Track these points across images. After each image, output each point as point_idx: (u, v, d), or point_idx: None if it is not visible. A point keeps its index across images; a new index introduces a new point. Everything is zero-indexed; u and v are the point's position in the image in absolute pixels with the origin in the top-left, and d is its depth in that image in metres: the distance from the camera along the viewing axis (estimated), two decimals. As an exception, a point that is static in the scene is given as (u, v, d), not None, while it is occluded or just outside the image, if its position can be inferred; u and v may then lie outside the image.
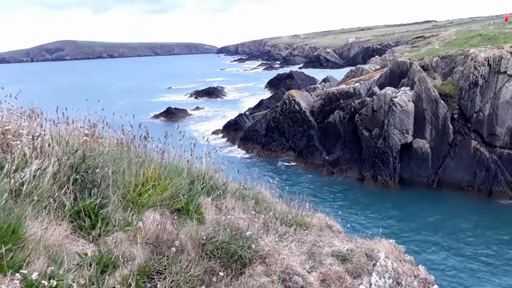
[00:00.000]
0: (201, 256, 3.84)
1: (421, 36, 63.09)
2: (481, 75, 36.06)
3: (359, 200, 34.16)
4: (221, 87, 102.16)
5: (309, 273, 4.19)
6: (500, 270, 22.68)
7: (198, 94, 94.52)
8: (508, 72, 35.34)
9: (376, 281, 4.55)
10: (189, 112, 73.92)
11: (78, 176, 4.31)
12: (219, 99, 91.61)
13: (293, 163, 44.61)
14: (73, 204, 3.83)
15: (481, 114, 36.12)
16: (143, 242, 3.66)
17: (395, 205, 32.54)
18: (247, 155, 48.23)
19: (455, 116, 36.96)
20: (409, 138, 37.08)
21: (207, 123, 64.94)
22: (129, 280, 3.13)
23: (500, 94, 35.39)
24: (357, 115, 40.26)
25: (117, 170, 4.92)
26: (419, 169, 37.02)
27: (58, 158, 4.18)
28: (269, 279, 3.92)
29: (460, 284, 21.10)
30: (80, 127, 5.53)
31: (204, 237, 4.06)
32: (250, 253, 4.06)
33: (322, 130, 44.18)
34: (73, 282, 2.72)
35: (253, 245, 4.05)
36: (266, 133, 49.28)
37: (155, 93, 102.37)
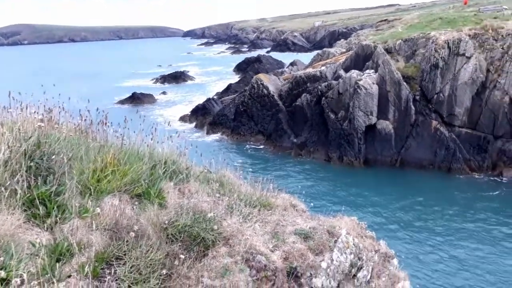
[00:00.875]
0: (163, 240, 3.81)
1: (385, 20, 64.19)
2: (441, 57, 37.27)
3: (325, 181, 34.92)
4: (188, 71, 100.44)
5: (272, 252, 4.25)
6: (456, 240, 23.96)
7: (165, 78, 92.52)
8: (466, 54, 36.70)
9: (338, 257, 4.69)
10: (156, 97, 72.37)
11: (32, 164, 4.14)
12: (186, 83, 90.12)
13: (262, 147, 44.87)
14: (26, 192, 3.67)
15: (441, 95, 37.48)
16: (102, 229, 3.58)
17: (359, 184, 33.52)
18: (216, 140, 48.03)
19: (417, 97, 38.16)
20: (373, 120, 38.02)
21: (174, 108, 63.91)
22: (86, 268, 3.07)
23: (458, 76, 36.78)
24: (323, 98, 40.78)
25: (75, 156, 4.76)
26: (383, 149, 38.16)
27: (8, 145, 3.99)
28: (233, 259, 3.95)
29: (419, 257, 22.13)
30: (35, 112, 5.29)
31: (166, 221, 4.02)
32: (213, 235, 4.07)
33: (290, 114, 44.51)
34: (24, 272, 2.63)
35: (215, 227, 4.06)
36: (235, 118, 49.13)
37: (120, 78, 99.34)
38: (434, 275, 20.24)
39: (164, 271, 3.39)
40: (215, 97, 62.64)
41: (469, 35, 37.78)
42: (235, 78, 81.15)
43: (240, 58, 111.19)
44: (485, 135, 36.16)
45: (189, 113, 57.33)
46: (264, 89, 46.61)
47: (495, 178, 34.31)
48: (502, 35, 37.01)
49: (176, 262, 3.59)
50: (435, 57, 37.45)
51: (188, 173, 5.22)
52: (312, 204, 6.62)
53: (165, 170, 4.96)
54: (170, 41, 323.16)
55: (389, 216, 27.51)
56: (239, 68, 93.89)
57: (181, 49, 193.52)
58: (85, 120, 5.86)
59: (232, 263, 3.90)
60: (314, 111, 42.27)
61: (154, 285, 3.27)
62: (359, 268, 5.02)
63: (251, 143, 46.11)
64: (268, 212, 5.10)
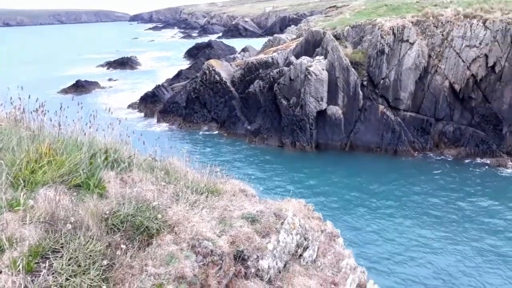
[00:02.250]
0: (104, 231, 3.69)
1: (334, 6, 65.49)
2: (387, 44, 38.74)
3: (278, 166, 35.51)
4: (136, 57, 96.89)
5: (219, 237, 4.26)
6: (401, 218, 25.40)
7: (111, 65, 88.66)
8: (410, 41, 38.40)
9: (284, 238, 4.80)
10: (101, 84, 69.22)
11: (-45, 156, 3.83)
12: (134, 70, 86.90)
13: (216, 134, 44.63)
14: None
15: (387, 80, 39.08)
16: (36, 222, 3.40)
17: (311, 169, 34.44)
18: (168, 128, 47.06)
19: (365, 82, 39.54)
20: (324, 105, 38.98)
21: (122, 95, 61.53)
22: (19, 262, 2.90)
23: (403, 61, 38.47)
24: (276, 84, 41.11)
25: (6, 147, 4.46)
26: (333, 134, 39.34)
27: None
28: (178, 247, 3.91)
29: (365, 235, 23.23)
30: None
31: (107, 212, 3.89)
32: (157, 223, 4.00)
33: (243, 100, 44.48)
34: None
35: (159, 215, 4.00)
36: (187, 105, 48.31)
37: (62, 65, 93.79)
38: (378, 252, 21.36)
39: (105, 262, 3.29)
40: (165, 84, 61.05)
41: (412, 22, 39.48)
42: (185, 64, 79.46)
43: (190, 43, 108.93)
44: (428, 118, 38.30)
45: (138, 101, 55.56)
46: (216, 76, 46.13)
47: (438, 157, 36.56)
48: (442, 22, 39.05)
49: (119, 252, 3.50)
50: (381, 43, 38.85)
51: (130, 162, 5.07)
52: (261, 188, 6.69)
53: (106, 159, 4.78)
54: (116, 26, 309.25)
55: (338, 198, 28.57)
56: (190, 54, 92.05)
57: (128, 34, 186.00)
58: (18, 108, 5.50)
59: (178, 250, 3.86)
60: (267, 97, 42.55)
61: (94, 277, 3.17)
62: (305, 248, 5.18)
63: (204, 130, 45.70)
64: (216, 198, 5.10)
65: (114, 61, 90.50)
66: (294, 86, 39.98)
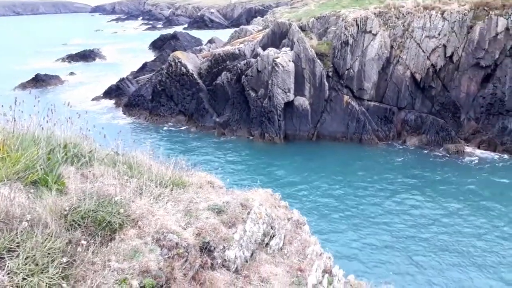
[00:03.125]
0: (64, 228, 3.58)
1: (299, -3, 65.69)
2: (350, 35, 39.43)
3: (247, 157, 35.63)
4: (99, 49, 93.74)
5: (185, 229, 4.24)
6: (366, 204, 26.16)
7: (72, 58, 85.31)
8: (372, 32, 39.24)
9: (251, 227, 4.84)
10: (63, 78, 66.60)
11: None
12: (97, 62, 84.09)
13: (184, 127, 44.11)
14: None
15: (351, 71, 39.85)
16: (-11, 221, 3.25)
17: (279, 159, 34.79)
18: (133, 122, 46.04)
19: (330, 73, 40.15)
20: (291, 97, 39.32)
21: (84, 89, 59.46)
22: (-31, 265, 2.78)
23: (366, 52, 39.30)
24: (243, 76, 41.02)
25: (-45, 144, 4.22)
26: (301, 125, 39.81)
27: None
28: (142, 241, 3.86)
29: (330, 221, 23.79)
30: None
31: (67, 208, 3.78)
32: (120, 218, 3.93)
33: (211, 93, 44.11)
34: None
35: (121, 210, 3.92)
36: (153, 98, 47.39)
37: (19, 59, 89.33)
38: (344, 239, 21.95)
39: (64, 259, 3.20)
40: (129, 76, 59.55)
41: (375, 14, 40.34)
42: (150, 56, 77.73)
43: (155, 35, 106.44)
44: (391, 107, 39.44)
45: (102, 95, 53.98)
46: (182, 68, 45.44)
47: (400, 146, 37.81)
48: (403, 13, 40.11)
49: (79, 249, 3.41)
50: (345, 34, 39.49)
51: (91, 156, 4.93)
52: (228, 180, 6.69)
53: (65, 154, 4.62)
54: (76, 17, 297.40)
55: (305, 187, 29.06)
56: (155, 46, 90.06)
57: (90, 26, 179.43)
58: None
59: (142, 244, 3.81)
60: (235, 89, 42.41)
61: (53, 275, 3.08)
62: (272, 237, 5.24)
63: (172, 123, 45.05)
64: (181, 191, 5.06)
65: (76, 54, 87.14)
66: (261, 77, 40.03)
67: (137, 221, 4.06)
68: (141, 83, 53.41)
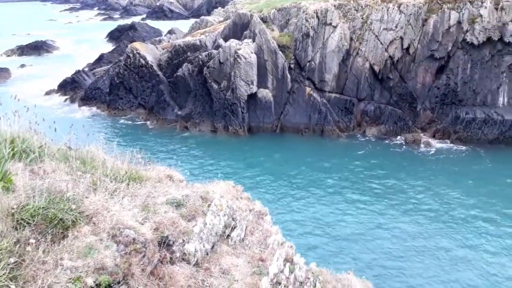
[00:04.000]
0: (11, 227, 3.39)
1: (260, -11, 65.45)
2: (311, 27, 39.88)
3: (211, 150, 35.40)
4: (52, 40, 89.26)
5: (142, 224, 4.14)
6: (327, 195, 26.82)
7: (23, 50, 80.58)
8: (332, 24, 39.86)
9: (211, 220, 4.80)
10: (12, 71, 62.99)
11: None
12: (50, 54, 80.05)
13: (144, 121, 43.08)
14: None
15: (312, 63, 40.39)
16: None
17: (244, 152, 34.86)
18: (90, 116, 44.42)
19: (292, 65, 40.50)
20: (254, 89, 39.35)
21: (38, 82, 56.49)
22: None
23: (327, 44, 39.92)
24: (205, 68, 40.54)
25: None
26: (264, 117, 40.00)
27: None
28: (97, 237, 3.74)
29: (292, 211, 24.21)
30: None
31: (15, 206, 3.58)
32: (73, 214, 3.77)
33: (172, 85, 43.29)
34: None
35: (74, 206, 3.77)
36: (111, 91, 45.90)
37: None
38: (306, 228, 22.40)
39: (12, 260, 3.04)
40: (85, 69, 57.30)
41: (335, 6, 40.97)
42: (107, 48, 74.95)
43: (112, 25, 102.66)
44: (351, 98, 40.40)
45: (56, 88, 51.60)
46: (141, 59, 44.25)
47: (361, 136, 38.88)
48: (362, 6, 41.03)
49: (29, 248, 3.25)
50: (306, 26, 39.89)
51: (42, 152, 4.69)
52: (188, 173, 6.60)
53: (12, 150, 4.37)
54: (26, 6, 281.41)
55: (269, 178, 29.34)
56: (112, 37, 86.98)
57: (41, 15, 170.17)
58: None
59: (97, 241, 3.69)
60: (197, 81, 41.86)
61: (0, 276, 2.91)
62: (233, 228, 5.24)
63: (132, 117, 43.88)
64: (139, 185, 4.93)
65: (27, 45, 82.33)
66: (224, 69, 39.75)
67: (92, 218, 3.92)
68: (98, 75, 51.55)
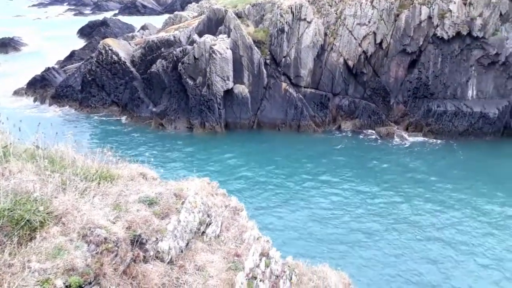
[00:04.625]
0: (-26, 230, 3.27)
1: (234, -16, 65.06)
2: (286, 22, 39.97)
3: (187, 147, 35.10)
4: (20, 37, 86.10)
5: (114, 223, 4.07)
6: (302, 189, 27.05)
7: (-11, 47, 77.63)
8: (307, 19, 40.07)
9: (185, 217, 4.77)
10: (-22, 69, 60.54)
11: None
12: (18, 52, 77.15)
13: (118, 118, 42.27)
14: None
15: (288, 58, 40.53)
16: None
17: (221, 148, 34.74)
18: (62, 114, 43.22)
19: (268, 61, 40.52)
20: (230, 84, 39.19)
21: (5, 81, 54.37)
22: None
23: (302, 40, 40.12)
24: (180, 64, 40.07)
25: None
26: (241, 113, 39.92)
27: None
28: (67, 238, 3.65)
29: (269, 207, 24.34)
30: None
31: (-22, 208, 3.45)
32: (40, 215, 3.67)
33: (146, 81, 42.60)
34: None
35: (41, 207, 3.67)
36: (83, 88, 44.77)
37: None
38: (282, 222, 22.57)
39: (-25, 265, 2.93)
40: (56, 66, 55.62)
41: (309, 1, 41.18)
42: (79, 44, 72.96)
43: (83, 21, 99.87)
44: (326, 93, 40.82)
45: (25, 86, 49.89)
46: (114, 56, 43.30)
47: (337, 131, 39.38)
48: (335, 1, 41.40)
49: (-7, 252, 3.14)
50: (280, 22, 39.96)
51: (7, 152, 4.53)
52: (162, 171, 6.52)
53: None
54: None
55: (245, 174, 29.39)
56: (83, 33, 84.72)
57: (7, 11, 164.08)
58: None
59: (67, 242, 3.60)
60: (172, 77, 41.34)
61: (-38, 283, 2.80)
62: (208, 225, 5.22)
63: (105, 115, 42.96)
64: (110, 184, 4.83)
65: (-7, 41, 79.29)
66: (199, 65, 39.39)
67: (61, 218, 3.82)
68: (69, 72, 50.17)
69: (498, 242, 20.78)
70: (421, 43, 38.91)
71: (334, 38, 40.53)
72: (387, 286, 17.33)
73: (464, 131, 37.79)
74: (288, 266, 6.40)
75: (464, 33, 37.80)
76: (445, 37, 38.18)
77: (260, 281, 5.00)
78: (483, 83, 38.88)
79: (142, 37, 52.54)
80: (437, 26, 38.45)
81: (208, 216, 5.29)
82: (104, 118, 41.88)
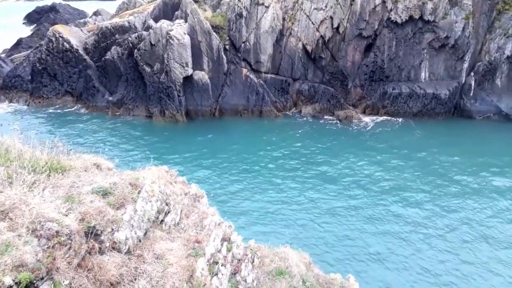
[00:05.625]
0: None
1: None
2: (244, 7, 39.57)
3: (146, 137, 34.33)
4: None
5: (66, 216, 3.93)
6: (264, 175, 27.34)
7: None
8: (265, 4, 39.84)
9: (142, 206, 4.68)
10: None
11: None
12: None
13: (72, 109, 40.55)
14: None
15: (247, 43, 40.28)
16: None
17: (181, 136, 34.25)
18: (12, 106, 40.89)
19: (227, 46, 40.08)
20: (190, 71, 38.48)
21: None
22: None
23: (260, 25, 39.94)
24: (136, 50, 38.81)
25: None
26: (202, 100, 39.42)
27: None
28: (15, 233, 3.49)
29: (232, 192, 24.48)
30: None
31: None
32: (-16, 212, 3.47)
33: (100, 69, 41.00)
34: None
35: (-16, 202, 3.47)
36: (33, 78, 42.44)
37: None
38: (245, 207, 22.76)
39: None
40: (2, 55, 52.29)
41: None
42: (26, 31, 68.87)
43: (29, 7, 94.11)
44: (286, 78, 41.08)
45: (-32, 77, 46.67)
46: (65, 43, 41.25)
47: (298, 115, 39.86)
48: (292, -13, 41.34)
49: None
50: (238, 6, 39.50)
51: None
52: (117, 160, 6.34)
53: None
54: None
55: (208, 161, 29.24)
56: (30, 19, 79.95)
57: None
58: None
59: (15, 237, 3.45)
60: (128, 65, 40.02)
61: None
62: (167, 213, 5.16)
63: (58, 106, 41.07)
64: (61, 176, 4.64)
65: None
66: (156, 51, 38.33)
67: (8, 213, 3.64)
68: (17, 62, 47.34)
69: (449, 208, 22.10)
70: (376, 27, 39.84)
71: (292, 23, 40.66)
72: (348, 264, 18.00)
73: (418, 112, 39.43)
74: (251, 249, 6.48)
75: (416, 17, 39.07)
76: (399, 21, 39.31)
77: (221, 265, 5.03)
78: (434, 65, 40.55)
79: (95, 24, 50.30)
80: (391, 10, 39.46)
81: (167, 204, 5.23)
82: (58, 110, 40.07)
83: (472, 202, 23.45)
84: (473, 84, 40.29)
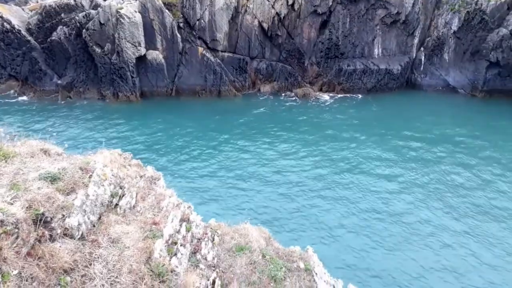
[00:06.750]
0: None
1: None
2: (197, -16, 38.41)
3: (99, 120, 33.06)
4: None
5: (12, 204, 3.75)
6: (224, 155, 27.39)
7: None
8: (218, -19, 38.88)
9: (94, 191, 4.55)
10: None
11: None
12: None
13: (18, 94, 38.20)
14: None
15: (202, 21, 39.35)
16: None
17: (136, 118, 33.30)
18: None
19: (181, 24, 38.96)
20: (143, 51, 37.21)
21: None
22: None
23: (215, 2, 39.03)
24: (84, 30, 36.87)
25: None
26: (157, 80, 38.39)
27: None
28: (-46, 226, 3.28)
29: (190, 173, 24.33)
30: None
31: None
32: None
33: (47, 51, 38.68)
34: None
35: None
36: (-28, 62, 39.37)
37: None
38: (204, 186, 22.72)
39: None
40: None
41: (219, -38, 39.78)
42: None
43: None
44: (244, 57, 40.72)
45: None
46: (5, 23, 38.39)
47: (258, 94, 39.83)
48: (245, -37, 40.52)
49: None
50: (191, -17, 38.30)
51: None
52: (66, 145, 6.08)
53: None
54: None
55: (165, 142, 28.75)
56: (-34, -2, 73.56)
57: None
58: None
59: (-46, 231, 3.25)
60: (76, 45, 38.02)
61: None
62: (121, 196, 5.05)
63: (2, 91, 38.52)
64: (4, 163, 4.40)
65: None
66: (106, 31, 36.63)
67: None
68: (-48, 44, 43.52)
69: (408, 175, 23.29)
70: (330, 3, 40.13)
71: (248, 0, 40.09)
72: (308, 236, 18.58)
73: (372, 88, 40.63)
74: (211, 228, 6.52)
75: (369, -7, 39.73)
76: (352, -3, 39.82)
77: (180, 245, 5.03)
78: (387, 41, 41.69)
79: (37, 2, 47.02)
80: (344, -13, 39.84)
81: (121, 188, 5.11)
82: (3, 94, 37.52)
83: (420, 166, 24.81)
84: (423, 59, 41.94)
